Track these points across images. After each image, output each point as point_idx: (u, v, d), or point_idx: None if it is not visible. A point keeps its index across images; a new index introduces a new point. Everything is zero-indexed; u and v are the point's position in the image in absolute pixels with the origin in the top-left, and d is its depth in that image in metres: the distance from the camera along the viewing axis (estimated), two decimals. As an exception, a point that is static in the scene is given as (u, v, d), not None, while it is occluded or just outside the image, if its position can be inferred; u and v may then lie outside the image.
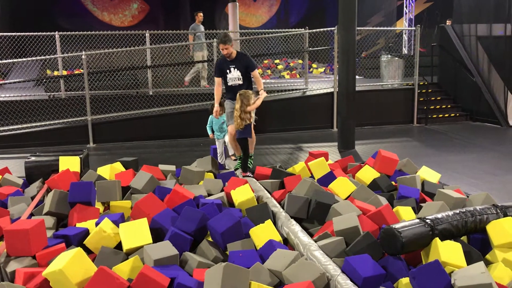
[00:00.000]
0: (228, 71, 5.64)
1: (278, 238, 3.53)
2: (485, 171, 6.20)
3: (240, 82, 5.66)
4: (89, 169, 5.18)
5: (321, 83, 10.89)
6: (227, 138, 5.99)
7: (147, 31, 9.56)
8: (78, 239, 3.51)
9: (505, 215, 3.55)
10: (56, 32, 9.23)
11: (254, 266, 2.95)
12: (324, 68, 16.95)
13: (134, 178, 4.75)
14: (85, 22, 17.42)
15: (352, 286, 2.77)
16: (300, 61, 16.16)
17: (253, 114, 5.44)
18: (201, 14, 10.42)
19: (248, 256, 3.19)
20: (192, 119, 8.98)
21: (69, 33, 9.56)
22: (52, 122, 8.45)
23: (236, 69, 5.62)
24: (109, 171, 5.14)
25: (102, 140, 8.50)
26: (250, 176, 5.20)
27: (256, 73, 5.71)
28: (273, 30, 11.53)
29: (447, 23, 11.53)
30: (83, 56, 8.32)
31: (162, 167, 5.42)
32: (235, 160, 6.05)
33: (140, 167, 5.29)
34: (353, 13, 7.20)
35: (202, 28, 10.49)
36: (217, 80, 5.76)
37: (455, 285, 2.55)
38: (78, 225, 3.78)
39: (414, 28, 10.26)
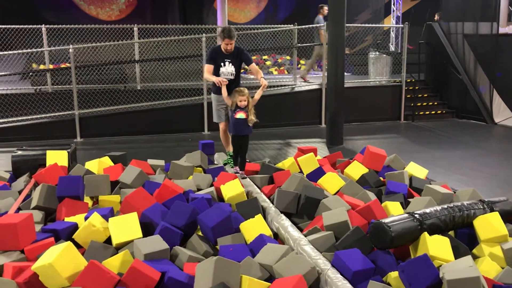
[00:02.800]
0: (222, 64, 5.54)
1: (268, 232, 3.55)
2: (471, 167, 6.28)
3: (232, 77, 5.57)
4: (77, 164, 5.14)
5: (309, 79, 10.91)
6: None
7: (135, 25, 9.49)
8: (67, 234, 3.48)
9: (492, 210, 3.61)
10: (43, 25, 9.11)
11: (244, 260, 2.96)
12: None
13: (123, 172, 4.72)
14: (71, 16, 17.22)
15: (342, 279, 2.79)
16: (288, 57, 16.18)
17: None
18: (326, 8, 10.22)
19: (239, 251, 3.19)
20: (180, 114, 8.96)
21: (56, 26, 9.45)
22: (38, 116, 8.35)
23: (231, 64, 5.54)
24: (98, 165, 5.10)
25: (89, 135, 8.43)
26: (245, 177, 4.93)
27: (254, 65, 5.66)
28: (262, 25, 11.51)
29: (435, 18, 11.63)
30: (70, 50, 8.23)
31: (151, 161, 5.39)
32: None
33: (128, 162, 5.26)
34: (342, 10, 7.23)
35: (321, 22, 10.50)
36: (209, 67, 5.53)
37: (444, 278, 2.59)
38: (67, 219, 3.75)
39: (402, 25, 10.32)
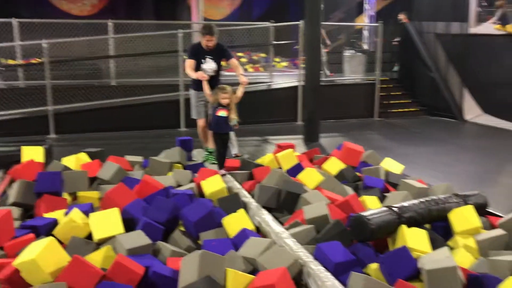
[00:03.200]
0: (203, 60, 5.51)
1: (251, 226, 3.58)
2: (444, 163, 6.47)
3: (213, 74, 5.55)
4: (53, 160, 5.06)
5: (285, 77, 10.97)
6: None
7: (110, 20, 9.36)
8: (46, 230, 3.43)
9: (466, 204, 3.74)
10: (13, 18, 8.89)
11: (228, 254, 2.99)
12: (287, 62, 17.09)
13: (101, 168, 4.68)
14: (41, 10, 16.81)
15: (324, 271, 2.85)
16: (263, 55, 16.21)
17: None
18: None
19: (222, 245, 3.21)
20: (156, 110, 8.89)
21: (28, 20, 9.23)
22: (10, 112, 8.16)
23: (212, 61, 5.53)
24: (75, 161, 5.02)
25: (63, 131, 8.27)
26: (225, 174, 4.92)
27: (234, 61, 5.64)
28: (238, 22, 11.54)
29: (399, 17, 11.81)
30: (44, 45, 8.07)
31: (129, 158, 5.35)
32: (236, 157, 5.85)
33: (106, 158, 5.21)
34: (318, 8, 7.32)
35: None
36: (191, 62, 5.48)
37: (423, 269, 2.68)
38: (46, 215, 3.69)
39: (377, 24, 10.50)
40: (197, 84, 5.58)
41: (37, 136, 7.73)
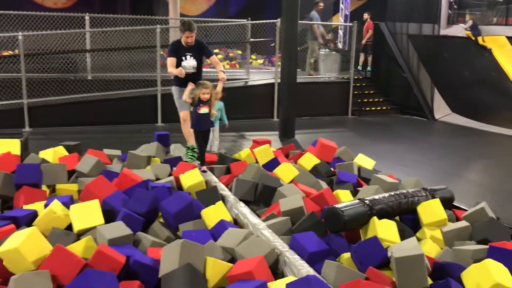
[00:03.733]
0: (184, 57, 5.50)
1: (229, 218, 3.70)
2: (414, 159, 6.71)
3: (194, 71, 5.54)
4: (30, 153, 5.05)
5: (262, 74, 11.10)
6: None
7: (87, 14, 9.30)
8: (26, 221, 3.47)
9: (433, 197, 3.94)
10: (-14, 10, 8.75)
11: (207, 244, 3.09)
12: (263, 59, 17.22)
13: (79, 161, 4.72)
14: (13, 2, 16.47)
15: (299, 260, 2.99)
16: (239, 52, 16.29)
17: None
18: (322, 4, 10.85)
19: (201, 235, 3.32)
20: (133, 105, 8.90)
21: (4, 12, 9.07)
22: (-17, 104, 8.05)
23: (192, 58, 5.51)
24: (52, 154, 5.03)
25: (38, 125, 8.20)
26: (206, 171, 4.92)
27: (215, 58, 5.62)
28: (216, 19, 11.57)
29: (364, 17, 12.07)
30: (19, 37, 7.99)
31: (107, 151, 5.39)
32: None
33: (83, 152, 5.23)
34: (296, 7, 7.46)
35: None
36: (172, 60, 5.48)
37: (392, 257, 2.84)
38: (25, 207, 3.73)
39: (351, 24, 10.72)
40: (179, 80, 5.57)
41: (11, 129, 7.64)
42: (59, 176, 4.34)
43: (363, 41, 11.94)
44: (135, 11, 19.93)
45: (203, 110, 4.96)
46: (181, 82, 5.49)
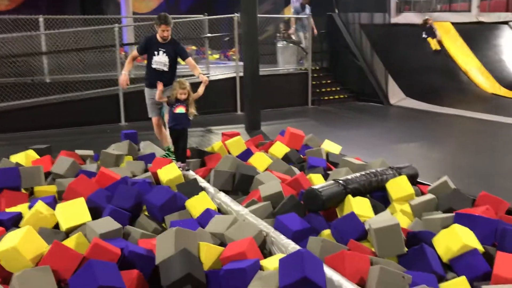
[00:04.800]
0: (156, 52, 5.36)
1: (213, 207, 3.86)
2: (375, 143, 7.06)
3: (166, 69, 5.42)
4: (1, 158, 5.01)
5: (222, 68, 11.22)
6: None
7: (41, 16, 9.13)
8: (12, 223, 3.50)
9: (400, 175, 4.23)
10: None
11: (197, 231, 3.24)
12: (218, 54, 17.32)
13: (55, 163, 4.74)
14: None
15: (285, 239, 3.19)
16: (194, 47, 16.31)
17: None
18: None
19: (189, 224, 3.45)
20: (95, 106, 8.83)
21: None
22: None
23: (165, 54, 5.37)
24: (25, 158, 5.03)
25: (-1, 131, 8.04)
26: (188, 169, 4.94)
27: (191, 60, 5.51)
28: (173, 15, 11.54)
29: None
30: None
31: (79, 152, 5.41)
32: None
33: (54, 154, 5.23)
34: (254, 1, 7.64)
35: (307, 10, 11.08)
36: (134, 55, 5.54)
37: (371, 228, 3.09)
38: (8, 210, 3.75)
39: (306, 16, 11.01)
40: (149, 81, 5.48)
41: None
42: (36, 179, 4.35)
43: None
44: (85, 11, 19.55)
45: (179, 109, 4.93)
46: (152, 82, 5.36)
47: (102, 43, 9.95)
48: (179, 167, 4.69)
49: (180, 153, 5.10)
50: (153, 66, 5.44)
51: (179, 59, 5.68)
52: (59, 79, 9.08)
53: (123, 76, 5.45)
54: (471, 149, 6.82)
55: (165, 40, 5.38)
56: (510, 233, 3.10)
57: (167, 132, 5.62)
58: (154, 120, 5.64)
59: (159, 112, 5.60)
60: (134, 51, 5.51)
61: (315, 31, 11.29)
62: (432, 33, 11.75)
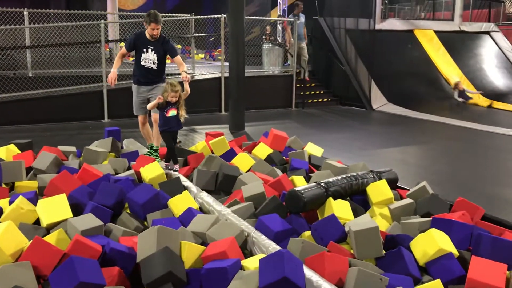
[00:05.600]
0: (144, 49, 5.32)
1: (195, 206, 3.88)
2: (357, 146, 7.16)
3: (154, 67, 5.39)
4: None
5: (207, 68, 11.22)
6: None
7: (25, 9, 9.03)
8: (-8, 218, 3.48)
9: (380, 179, 4.31)
10: None
11: (179, 230, 3.26)
12: (204, 54, 17.33)
13: (37, 158, 4.70)
14: None
15: (266, 239, 3.23)
16: (179, 46, 16.28)
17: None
18: (301, 5, 11.19)
19: (171, 223, 3.46)
20: (78, 102, 8.78)
21: None
22: None
23: (153, 52, 5.34)
24: (6, 153, 4.97)
25: (-23, 124, 7.94)
26: (176, 170, 4.87)
27: (179, 59, 5.41)
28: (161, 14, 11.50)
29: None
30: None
31: (62, 148, 5.37)
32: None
33: (35, 150, 5.19)
34: (242, 2, 7.68)
35: (302, 19, 11.21)
36: (123, 52, 5.44)
37: (350, 231, 3.15)
38: (-12, 205, 3.71)
39: (293, 19, 11.09)
40: (137, 78, 5.46)
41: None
42: (17, 174, 4.32)
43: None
44: (69, 6, 19.36)
45: (172, 112, 4.87)
46: (139, 79, 5.35)
47: (86, 39, 9.89)
48: (171, 169, 4.63)
49: (173, 155, 5.02)
50: (142, 63, 5.40)
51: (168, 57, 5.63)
52: (42, 74, 9.00)
53: (112, 74, 5.36)
54: (451, 155, 6.97)
55: (155, 38, 5.33)
56: (485, 238, 3.18)
57: (151, 130, 5.57)
58: (140, 118, 5.60)
59: (146, 110, 5.53)
60: (122, 48, 5.45)
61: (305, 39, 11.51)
62: (465, 95, 11.96)
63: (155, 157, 5.39)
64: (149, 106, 5.10)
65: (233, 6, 7.65)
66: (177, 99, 4.85)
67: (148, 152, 5.57)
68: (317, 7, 12.22)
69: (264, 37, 12.06)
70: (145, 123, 5.63)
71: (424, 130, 8.97)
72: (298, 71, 11.36)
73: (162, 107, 4.85)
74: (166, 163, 5.00)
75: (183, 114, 4.93)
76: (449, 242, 3.17)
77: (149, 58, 5.34)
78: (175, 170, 4.81)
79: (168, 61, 5.93)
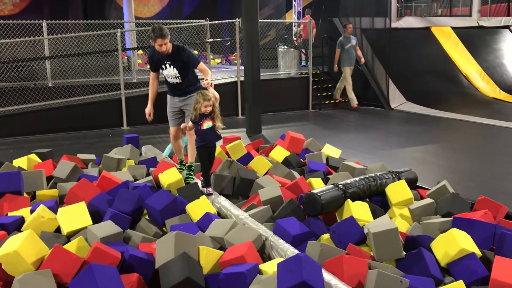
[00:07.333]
0: (163, 66, 4.86)
1: (213, 211, 3.89)
2: (375, 146, 7.08)
3: (179, 80, 4.86)
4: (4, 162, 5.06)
5: (223, 73, 11.27)
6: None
7: (44, 20, 9.20)
8: (15, 227, 3.54)
9: (399, 179, 4.26)
10: None
11: (197, 235, 3.27)
12: (220, 59, 17.42)
13: (57, 167, 4.77)
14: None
15: (284, 243, 3.22)
16: (196, 52, 16.39)
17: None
18: (350, 25, 10.40)
19: (189, 228, 3.49)
20: (97, 110, 8.90)
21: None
22: None
23: (172, 67, 4.80)
24: (27, 162, 5.07)
25: (2, 135, 8.08)
26: (211, 194, 4.33)
27: (202, 66, 4.86)
28: (175, 21, 11.64)
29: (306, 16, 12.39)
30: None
31: (81, 156, 5.45)
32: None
33: (56, 158, 5.27)
34: (256, 5, 7.68)
35: (353, 41, 10.44)
36: (152, 75, 5.04)
37: (369, 233, 3.11)
38: (10, 214, 3.78)
39: (307, 21, 11.05)
40: (169, 90, 5.10)
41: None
42: (38, 183, 4.40)
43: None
44: (87, 16, 19.68)
45: (207, 124, 4.33)
46: (171, 91, 5.04)
47: (104, 48, 10.03)
48: (206, 193, 4.29)
49: (205, 176, 4.41)
50: (168, 80, 4.98)
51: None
52: (61, 84, 9.15)
53: (147, 109, 5.09)
54: (471, 153, 6.84)
55: (166, 54, 4.80)
56: (509, 237, 3.11)
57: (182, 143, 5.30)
58: (172, 130, 5.16)
59: (178, 122, 5.10)
60: (151, 74, 5.09)
61: (362, 60, 10.78)
62: None
63: (187, 175, 4.80)
64: (182, 126, 4.72)
65: (246, 10, 7.65)
66: (211, 109, 4.34)
67: (179, 167, 5.15)
68: (341, 8, 12.14)
69: (294, 38, 11.94)
70: (177, 136, 5.17)
71: (443, 128, 8.83)
72: (314, 72, 11.28)
73: (196, 120, 4.33)
74: (206, 188, 4.38)
75: (219, 125, 4.40)
76: (471, 242, 3.11)
77: (170, 74, 4.88)
78: (208, 194, 4.32)
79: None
